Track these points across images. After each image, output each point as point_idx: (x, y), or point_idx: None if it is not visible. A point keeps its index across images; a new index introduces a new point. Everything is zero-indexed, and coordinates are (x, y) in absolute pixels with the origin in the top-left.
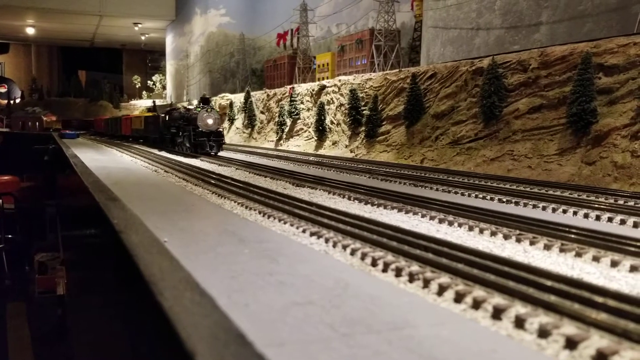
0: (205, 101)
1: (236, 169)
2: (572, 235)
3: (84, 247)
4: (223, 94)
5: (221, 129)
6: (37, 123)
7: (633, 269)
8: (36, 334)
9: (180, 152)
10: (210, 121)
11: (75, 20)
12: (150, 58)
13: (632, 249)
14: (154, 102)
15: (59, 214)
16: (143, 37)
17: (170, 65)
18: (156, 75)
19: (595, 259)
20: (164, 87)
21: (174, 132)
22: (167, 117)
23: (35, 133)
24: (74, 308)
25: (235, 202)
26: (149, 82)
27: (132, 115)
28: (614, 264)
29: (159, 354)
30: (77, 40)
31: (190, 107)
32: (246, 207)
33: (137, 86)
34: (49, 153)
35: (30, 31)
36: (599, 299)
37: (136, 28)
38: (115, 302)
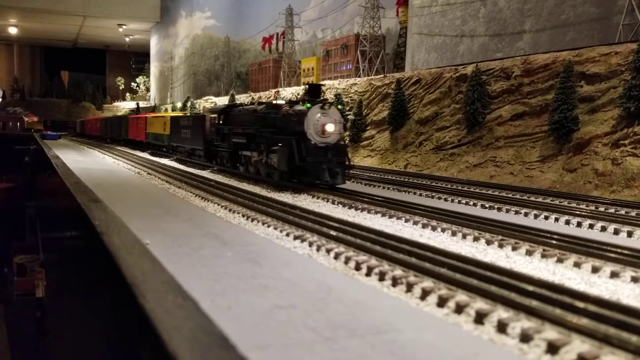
0: (314, 91)
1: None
2: (554, 242)
3: (64, 249)
4: (207, 97)
5: (344, 142)
6: (18, 123)
7: (613, 275)
8: (14, 337)
9: (255, 176)
10: (330, 127)
11: (58, 21)
12: (134, 60)
13: (613, 255)
14: (137, 104)
15: (39, 216)
16: (127, 39)
17: (154, 67)
18: (140, 77)
19: (577, 265)
20: (147, 89)
21: (240, 143)
22: (221, 119)
23: (16, 133)
24: (53, 310)
25: (218, 204)
26: (132, 83)
27: (149, 115)
28: (595, 270)
29: (140, 357)
30: (60, 41)
31: (280, 101)
32: (230, 210)
33: (121, 88)
34: (29, 154)
35: (13, 31)
36: (580, 304)
37: (120, 29)
38: (96, 305)
